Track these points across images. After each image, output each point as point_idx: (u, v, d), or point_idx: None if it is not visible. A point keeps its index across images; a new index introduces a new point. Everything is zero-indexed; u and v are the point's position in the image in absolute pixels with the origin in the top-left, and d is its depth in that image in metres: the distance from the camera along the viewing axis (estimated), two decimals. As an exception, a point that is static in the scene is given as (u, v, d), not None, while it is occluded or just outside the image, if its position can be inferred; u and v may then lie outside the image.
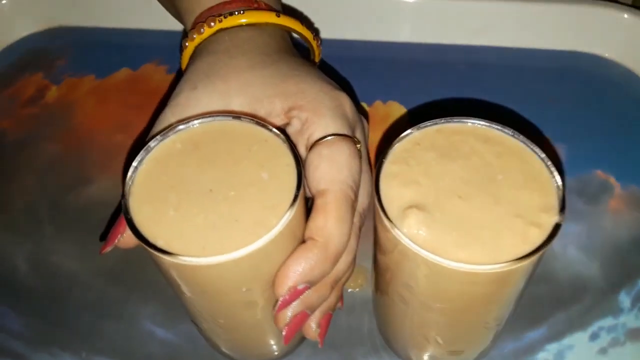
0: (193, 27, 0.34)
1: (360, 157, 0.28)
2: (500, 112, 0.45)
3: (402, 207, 0.24)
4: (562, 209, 0.23)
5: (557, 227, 0.23)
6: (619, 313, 0.36)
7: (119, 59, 0.51)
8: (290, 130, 0.30)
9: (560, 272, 0.37)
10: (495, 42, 0.51)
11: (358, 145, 0.28)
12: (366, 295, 0.36)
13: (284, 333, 0.26)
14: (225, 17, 0.33)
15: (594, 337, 0.35)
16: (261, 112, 0.29)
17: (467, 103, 0.46)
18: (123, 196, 0.24)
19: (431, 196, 0.24)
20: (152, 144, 0.26)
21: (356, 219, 0.28)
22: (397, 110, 0.46)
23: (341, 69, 0.49)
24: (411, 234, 0.23)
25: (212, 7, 0.34)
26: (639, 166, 0.43)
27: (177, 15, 0.39)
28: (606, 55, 0.50)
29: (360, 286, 0.37)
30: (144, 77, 0.50)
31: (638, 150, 0.44)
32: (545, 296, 0.36)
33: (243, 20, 0.33)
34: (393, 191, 0.24)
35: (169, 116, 0.29)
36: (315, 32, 0.40)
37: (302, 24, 0.36)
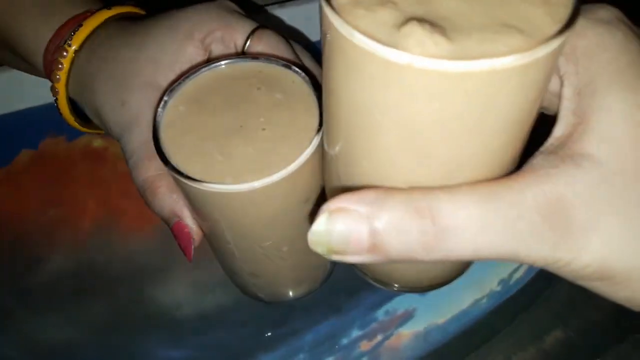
0: (50, 69, 0.35)
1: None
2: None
3: (390, 29, 0.17)
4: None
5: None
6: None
7: (12, 143, 0.52)
8: (217, 54, 0.32)
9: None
10: None
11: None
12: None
13: None
14: (71, 39, 0.34)
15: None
16: (185, 66, 0.31)
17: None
18: (166, 163, 0.25)
19: (420, 5, 0.18)
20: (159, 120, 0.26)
21: None
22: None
23: None
24: (426, 51, 0.16)
25: (51, 39, 0.35)
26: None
27: (20, 61, 0.40)
28: None
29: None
30: (48, 152, 0.52)
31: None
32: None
33: (87, 31, 0.34)
34: (363, 21, 0.17)
35: (135, 135, 0.31)
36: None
37: (131, 5, 0.38)
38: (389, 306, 0.42)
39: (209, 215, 0.27)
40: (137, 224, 0.46)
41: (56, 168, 0.50)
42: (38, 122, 0.54)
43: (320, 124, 0.25)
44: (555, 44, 0.17)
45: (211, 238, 0.31)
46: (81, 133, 0.53)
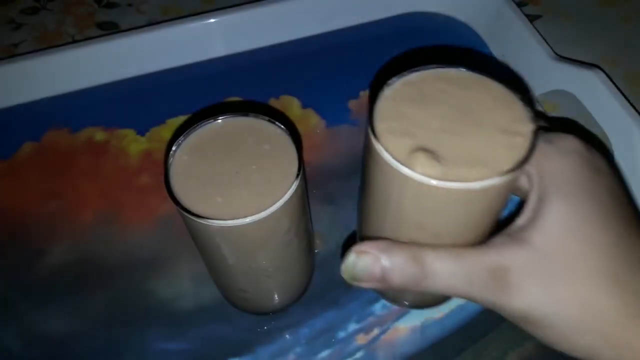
0: None
1: None
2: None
3: (407, 153, 0.26)
4: (534, 116, 0.27)
5: (536, 132, 0.27)
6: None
7: (15, 136, 0.53)
8: None
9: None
10: (342, 24, 0.61)
11: None
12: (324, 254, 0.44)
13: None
14: None
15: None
16: None
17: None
18: (177, 204, 0.30)
19: (428, 139, 0.27)
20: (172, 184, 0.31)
21: None
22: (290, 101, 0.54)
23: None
24: (426, 172, 0.25)
25: None
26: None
27: None
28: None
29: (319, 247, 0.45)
30: (50, 145, 0.52)
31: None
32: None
33: None
34: (392, 144, 0.27)
35: None
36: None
37: None
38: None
39: (210, 244, 0.32)
40: (137, 217, 0.47)
41: (58, 161, 0.51)
42: (41, 114, 0.55)
43: (299, 170, 0.31)
44: (508, 177, 0.25)
45: (210, 260, 0.36)
46: (83, 126, 0.54)
